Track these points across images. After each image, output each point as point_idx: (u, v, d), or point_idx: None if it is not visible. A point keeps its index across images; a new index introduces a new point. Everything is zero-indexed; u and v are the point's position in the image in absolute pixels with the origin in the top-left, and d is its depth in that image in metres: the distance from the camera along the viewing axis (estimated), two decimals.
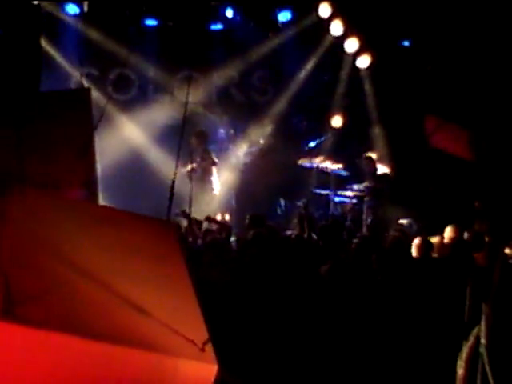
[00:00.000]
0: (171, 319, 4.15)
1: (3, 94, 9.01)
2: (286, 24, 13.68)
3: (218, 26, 13.79)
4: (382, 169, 12.45)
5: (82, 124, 7.39)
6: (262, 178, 12.91)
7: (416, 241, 7.39)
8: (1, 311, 3.82)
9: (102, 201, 7.90)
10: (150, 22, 13.63)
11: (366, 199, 11.98)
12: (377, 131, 13.26)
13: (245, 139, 13.47)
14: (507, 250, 7.07)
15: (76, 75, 12.99)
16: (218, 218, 11.45)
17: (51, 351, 3.91)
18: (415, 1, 12.61)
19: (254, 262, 6.85)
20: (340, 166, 12.71)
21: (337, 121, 13.33)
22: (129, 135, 13.10)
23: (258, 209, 11.53)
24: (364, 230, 11.46)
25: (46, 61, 12.67)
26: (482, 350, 5.36)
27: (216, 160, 12.40)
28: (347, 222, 11.67)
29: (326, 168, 12.63)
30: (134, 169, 12.88)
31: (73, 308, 4.05)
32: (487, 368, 5.31)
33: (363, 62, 13.12)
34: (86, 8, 13.28)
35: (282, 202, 13.08)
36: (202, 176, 12.09)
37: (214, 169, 12.37)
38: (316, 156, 12.88)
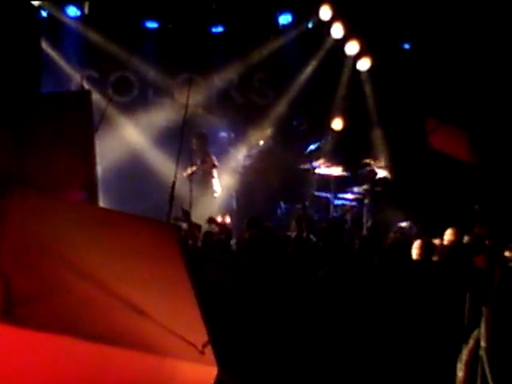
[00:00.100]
0: (171, 321, 4.16)
1: (3, 96, 9.00)
2: (286, 27, 13.67)
3: (219, 29, 13.80)
4: (382, 173, 12.45)
5: (83, 126, 7.41)
6: (262, 181, 12.90)
7: (417, 243, 7.39)
8: (1, 312, 3.82)
9: (102, 203, 7.91)
10: (151, 25, 13.61)
11: (365, 202, 11.99)
12: (377, 134, 13.24)
13: (245, 142, 13.46)
14: (507, 253, 7.07)
15: (76, 77, 13.01)
16: (219, 220, 11.44)
17: (51, 352, 3.91)
18: (415, 4, 12.61)
19: (251, 264, 6.85)
20: (340, 168, 12.70)
21: (337, 123, 13.30)
22: (129, 137, 13.09)
23: (259, 211, 11.54)
24: (364, 232, 11.47)
25: (46, 63, 12.65)
26: (482, 352, 5.36)
27: (216, 162, 12.39)
28: (347, 224, 11.68)
29: (326, 171, 12.62)
30: (135, 171, 12.86)
31: (73, 310, 4.05)
32: (487, 371, 5.31)
33: (363, 64, 13.11)
34: (86, 10, 13.28)
35: (282, 204, 13.06)
36: (202, 178, 12.08)
37: (214, 171, 12.36)
38: (316, 159, 12.87)
